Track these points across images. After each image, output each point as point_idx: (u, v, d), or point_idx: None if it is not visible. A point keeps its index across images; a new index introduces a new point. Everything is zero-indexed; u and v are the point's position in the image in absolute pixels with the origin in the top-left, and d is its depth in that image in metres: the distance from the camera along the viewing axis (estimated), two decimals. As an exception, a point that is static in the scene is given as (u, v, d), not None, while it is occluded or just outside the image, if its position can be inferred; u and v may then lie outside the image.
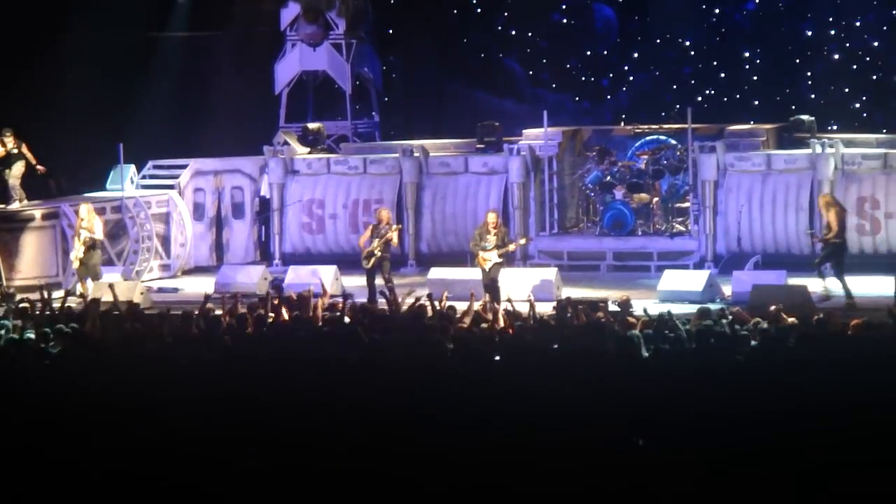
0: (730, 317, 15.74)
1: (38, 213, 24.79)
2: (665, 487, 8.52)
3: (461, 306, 17.24)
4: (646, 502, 8.50)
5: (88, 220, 22.89)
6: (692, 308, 18.30)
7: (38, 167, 24.87)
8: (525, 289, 21.69)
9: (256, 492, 9.61)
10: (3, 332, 15.71)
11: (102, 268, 23.82)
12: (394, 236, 22.07)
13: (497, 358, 14.00)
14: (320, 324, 16.29)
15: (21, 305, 18.15)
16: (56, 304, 17.61)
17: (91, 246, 22.81)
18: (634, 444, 8.51)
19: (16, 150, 24.84)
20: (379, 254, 21.90)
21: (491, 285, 21.35)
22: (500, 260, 21.61)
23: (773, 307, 16.38)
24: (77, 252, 22.87)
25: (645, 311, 16.40)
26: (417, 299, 17.47)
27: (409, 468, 9.54)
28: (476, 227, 22.55)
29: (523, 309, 17.31)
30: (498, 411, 11.07)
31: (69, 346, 14.39)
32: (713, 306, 18.36)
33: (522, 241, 23.34)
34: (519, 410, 10.91)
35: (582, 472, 9.05)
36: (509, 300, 18.15)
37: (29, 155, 24.79)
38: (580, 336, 15.34)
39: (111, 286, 18.08)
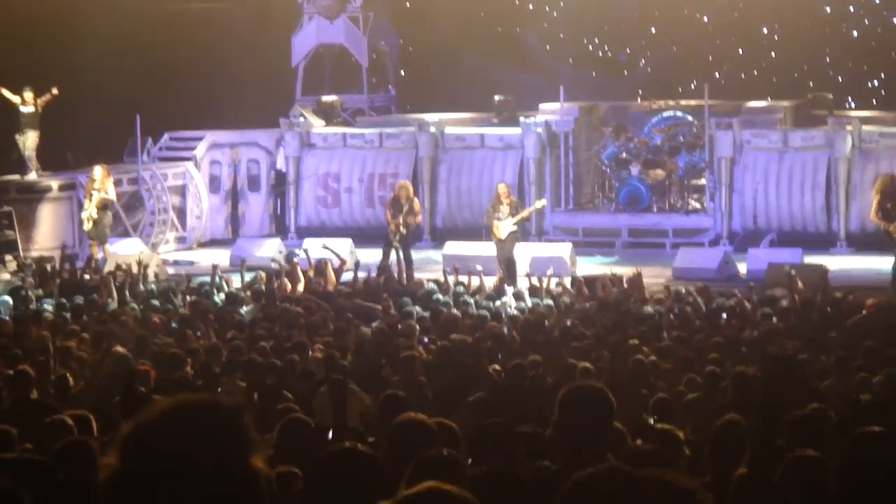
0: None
1: (54, 184, 24.83)
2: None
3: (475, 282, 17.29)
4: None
5: (101, 182, 22.92)
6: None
7: (52, 91, 24.19)
8: (539, 264, 21.66)
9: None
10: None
11: (118, 238, 23.83)
12: (418, 220, 22.32)
13: (511, 332, 14.04)
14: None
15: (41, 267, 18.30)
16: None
17: (103, 207, 22.84)
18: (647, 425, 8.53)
19: (31, 109, 24.49)
20: (405, 231, 21.86)
21: (506, 262, 21.30)
22: (514, 228, 21.53)
23: (789, 269, 16.47)
24: (90, 212, 22.91)
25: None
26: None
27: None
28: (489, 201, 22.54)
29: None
30: (508, 386, 11.09)
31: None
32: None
33: (539, 205, 23.25)
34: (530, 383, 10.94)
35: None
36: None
37: (45, 98, 24.22)
38: (597, 312, 15.37)
39: (118, 265, 18.18)
